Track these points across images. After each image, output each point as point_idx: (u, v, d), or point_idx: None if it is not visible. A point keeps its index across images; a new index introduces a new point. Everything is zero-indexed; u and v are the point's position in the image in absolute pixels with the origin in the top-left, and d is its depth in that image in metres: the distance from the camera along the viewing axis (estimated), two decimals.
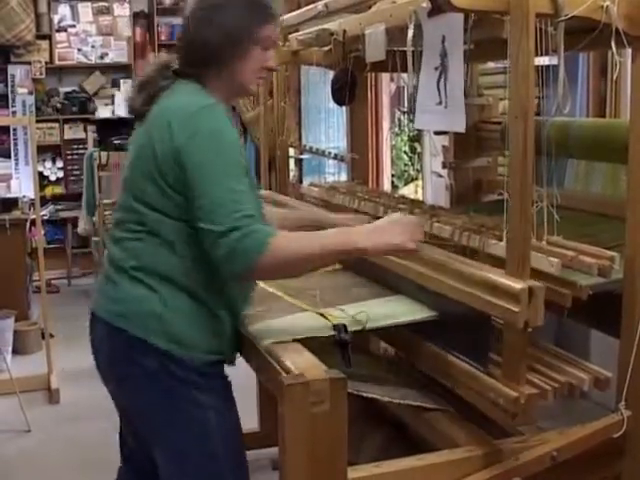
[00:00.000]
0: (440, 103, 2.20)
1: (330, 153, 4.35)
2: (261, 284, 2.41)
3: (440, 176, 3.58)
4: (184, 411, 2.02)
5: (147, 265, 2.00)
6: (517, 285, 1.80)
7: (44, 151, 7.87)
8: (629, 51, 1.96)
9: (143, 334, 1.98)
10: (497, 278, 1.87)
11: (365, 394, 2.10)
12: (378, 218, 2.52)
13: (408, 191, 5.53)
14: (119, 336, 2.02)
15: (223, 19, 2.03)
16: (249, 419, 3.32)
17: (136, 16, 8.25)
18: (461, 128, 2.18)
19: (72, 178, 8.04)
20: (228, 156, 1.93)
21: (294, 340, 2.02)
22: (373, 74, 3.91)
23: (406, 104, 2.45)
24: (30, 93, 7.90)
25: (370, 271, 2.48)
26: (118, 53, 8.17)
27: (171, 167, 1.93)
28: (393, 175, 5.82)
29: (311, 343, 2.02)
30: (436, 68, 2.19)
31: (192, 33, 2.07)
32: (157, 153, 1.97)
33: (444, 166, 3.21)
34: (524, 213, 1.83)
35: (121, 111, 7.94)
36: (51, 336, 5.06)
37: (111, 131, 7.62)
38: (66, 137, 8.04)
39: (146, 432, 2.12)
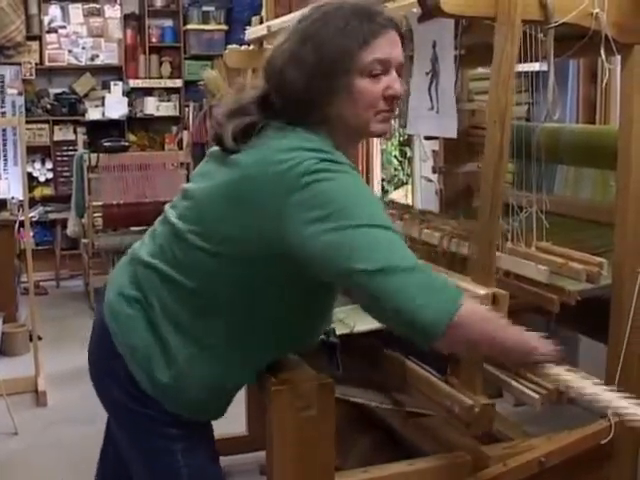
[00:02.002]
0: (432, 108, 2.21)
1: None
2: None
3: (430, 181, 3.57)
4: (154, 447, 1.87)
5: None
6: (481, 291, 1.80)
7: (33, 152, 7.84)
8: (618, 58, 1.97)
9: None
10: (462, 284, 1.86)
11: (353, 399, 2.10)
12: None
13: (398, 195, 5.53)
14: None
15: (307, 51, 1.64)
16: (237, 423, 3.31)
17: (127, 18, 8.23)
18: (452, 134, 2.18)
19: (62, 179, 8.00)
20: None
21: None
22: None
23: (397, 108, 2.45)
24: (20, 94, 7.87)
25: None
26: (109, 55, 8.14)
27: None
28: (383, 179, 5.83)
29: None
30: (427, 73, 2.20)
31: (278, 73, 1.68)
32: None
33: (434, 171, 3.21)
34: (492, 218, 1.83)
35: (111, 113, 7.93)
36: (39, 338, 5.03)
37: (101, 133, 7.60)
38: (56, 138, 8.01)
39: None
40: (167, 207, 1.87)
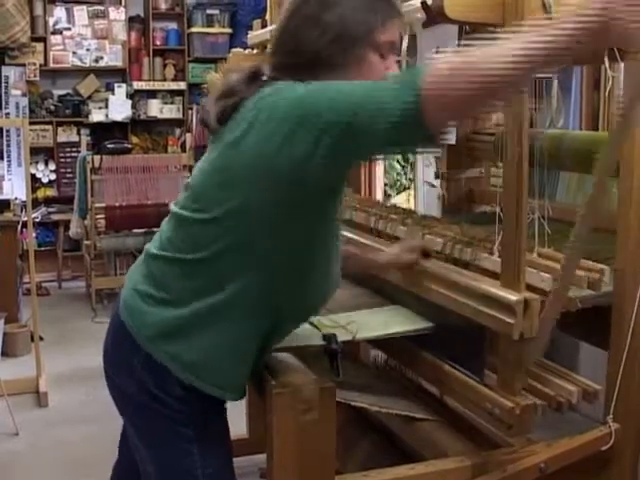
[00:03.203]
0: None
1: None
2: None
3: (433, 186, 3.58)
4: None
5: None
6: (513, 297, 1.81)
7: (37, 153, 7.86)
8: (622, 65, 1.97)
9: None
10: (493, 290, 1.87)
11: (354, 403, 2.10)
12: (370, 230, 2.55)
13: (400, 200, 5.54)
14: None
15: (333, 17, 1.68)
16: (238, 425, 3.32)
17: (131, 20, 8.25)
18: (450, 139, 2.18)
19: (65, 181, 8.02)
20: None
21: (284, 348, 2.02)
22: None
23: None
24: (24, 95, 7.88)
25: (368, 282, 2.48)
26: (113, 57, 8.16)
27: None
28: (386, 184, 5.83)
29: (301, 351, 2.02)
30: None
31: (292, 33, 1.73)
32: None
33: (437, 176, 3.22)
34: (519, 225, 1.84)
35: (115, 115, 7.94)
36: (40, 339, 5.04)
37: (104, 135, 7.62)
38: (59, 140, 8.03)
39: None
40: (172, 204, 1.90)
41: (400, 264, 2.24)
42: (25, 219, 5.36)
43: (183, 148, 7.81)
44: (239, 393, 1.87)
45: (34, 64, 7.83)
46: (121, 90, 8.05)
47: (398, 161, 6.21)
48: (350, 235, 2.57)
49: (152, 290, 1.83)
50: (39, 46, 7.92)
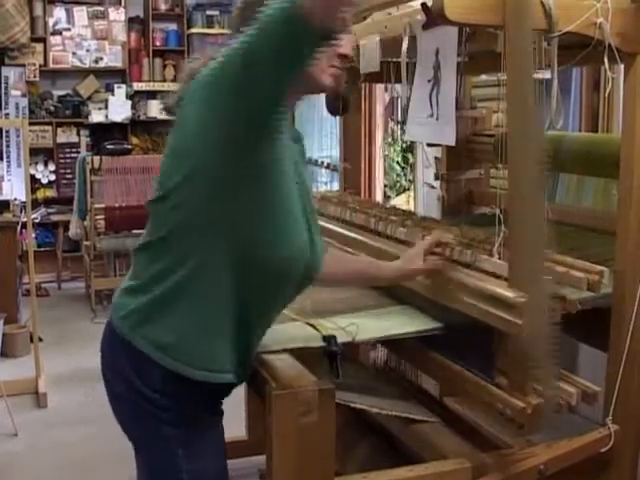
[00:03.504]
0: (431, 115, 2.21)
1: (323, 162, 4.35)
2: None
3: (432, 187, 3.58)
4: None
5: None
6: (520, 297, 1.81)
7: (36, 154, 7.86)
8: (621, 67, 1.98)
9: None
10: (500, 290, 1.87)
11: (353, 405, 2.10)
12: (370, 231, 2.54)
13: (400, 202, 5.53)
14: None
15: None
16: (237, 427, 3.32)
17: (131, 21, 8.25)
18: (451, 141, 2.18)
19: (64, 182, 8.02)
20: None
21: (283, 350, 2.02)
22: (367, 84, 3.91)
23: (399, 115, 2.46)
24: (23, 95, 7.88)
25: None
26: (113, 58, 8.16)
27: None
28: (385, 185, 5.83)
29: (300, 352, 2.02)
30: (429, 80, 2.20)
31: (240, 21, 1.77)
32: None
33: (436, 177, 3.21)
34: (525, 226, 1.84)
35: (114, 116, 7.94)
36: (40, 340, 5.04)
37: (104, 136, 7.62)
38: (59, 140, 8.02)
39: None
40: None
41: (413, 273, 2.17)
42: (25, 220, 5.36)
43: None
44: (228, 375, 1.85)
45: (34, 65, 7.83)
46: (121, 91, 8.05)
47: (398, 162, 6.21)
48: (351, 235, 2.57)
49: (131, 282, 1.89)
50: (39, 47, 7.92)
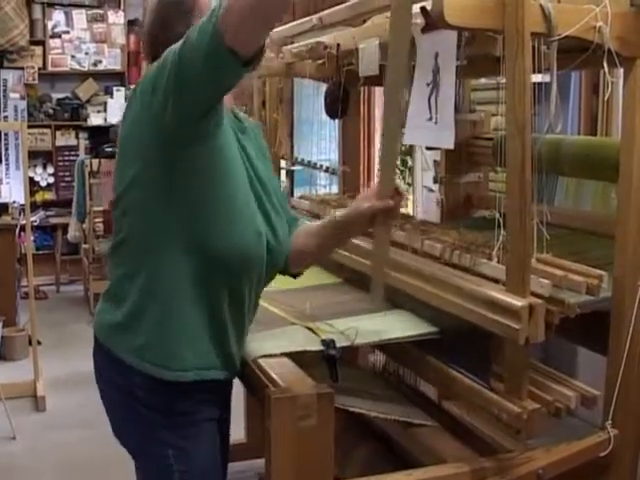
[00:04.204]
0: (430, 119, 2.21)
1: (322, 165, 4.35)
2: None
3: (431, 190, 3.58)
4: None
5: None
6: (518, 302, 1.81)
7: (35, 157, 7.86)
8: (621, 71, 1.98)
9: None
10: (498, 295, 1.87)
11: (352, 409, 2.10)
12: (369, 235, 2.54)
13: None
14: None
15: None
16: (236, 430, 3.32)
17: (130, 24, 8.25)
18: (450, 145, 2.18)
19: (63, 184, 8.03)
20: None
21: (282, 354, 2.01)
22: (366, 87, 3.92)
23: None
24: (22, 98, 7.89)
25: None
26: (112, 61, 8.17)
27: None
28: None
29: (299, 356, 2.01)
30: (428, 84, 2.20)
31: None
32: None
33: (435, 181, 3.21)
34: (524, 230, 1.84)
35: (113, 119, 7.94)
36: (38, 343, 5.04)
37: (103, 139, 7.62)
38: (58, 143, 8.03)
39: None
40: None
41: (369, 210, 2.00)
42: (23, 223, 5.36)
43: None
44: (208, 372, 1.89)
45: (33, 67, 7.84)
46: (120, 94, 8.05)
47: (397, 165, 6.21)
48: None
49: (106, 288, 1.98)
50: (38, 49, 7.94)
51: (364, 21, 2.70)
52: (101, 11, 8.14)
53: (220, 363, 1.91)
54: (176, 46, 1.71)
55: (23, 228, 5.47)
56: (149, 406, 1.87)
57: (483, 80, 3.10)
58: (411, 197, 4.07)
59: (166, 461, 1.88)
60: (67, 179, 7.95)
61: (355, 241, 2.53)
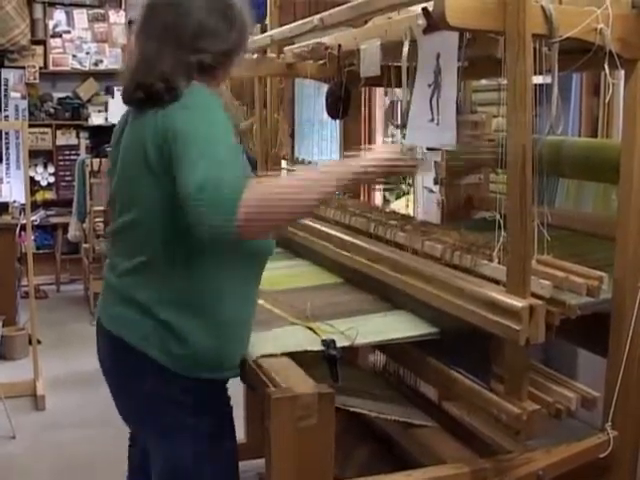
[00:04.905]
0: (432, 120, 2.21)
1: None
2: None
3: (432, 192, 3.57)
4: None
5: None
6: (518, 303, 1.81)
7: (36, 156, 7.86)
8: (622, 73, 1.98)
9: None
10: (498, 296, 1.87)
11: (352, 409, 2.10)
12: (370, 235, 2.55)
13: (399, 206, 5.53)
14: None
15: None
16: (236, 430, 3.32)
17: (132, 24, 8.23)
18: (451, 146, 2.18)
19: (63, 184, 8.02)
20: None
21: (283, 354, 2.02)
22: (367, 88, 3.92)
23: (399, 119, 2.45)
24: (23, 98, 7.89)
25: (371, 286, 2.48)
26: (113, 60, 8.17)
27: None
28: (385, 189, 5.82)
29: (300, 356, 2.01)
30: (429, 85, 2.20)
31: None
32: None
33: (436, 182, 3.22)
34: (524, 232, 1.84)
35: (114, 118, 7.93)
36: (38, 342, 5.04)
37: (103, 138, 7.59)
38: (58, 143, 8.03)
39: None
40: None
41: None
42: (24, 222, 5.36)
43: None
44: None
45: (34, 67, 7.84)
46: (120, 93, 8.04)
47: None
48: (350, 239, 2.57)
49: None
50: (39, 49, 7.94)
51: (365, 22, 2.69)
52: (102, 11, 8.14)
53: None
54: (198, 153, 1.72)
55: (23, 227, 5.47)
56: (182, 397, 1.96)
57: (484, 81, 3.11)
58: (411, 198, 4.07)
59: (197, 445, 1.98)
60: (68, 179, 7.95)
61: (355, 241, 2.54)
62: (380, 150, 2.01)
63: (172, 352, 1.91)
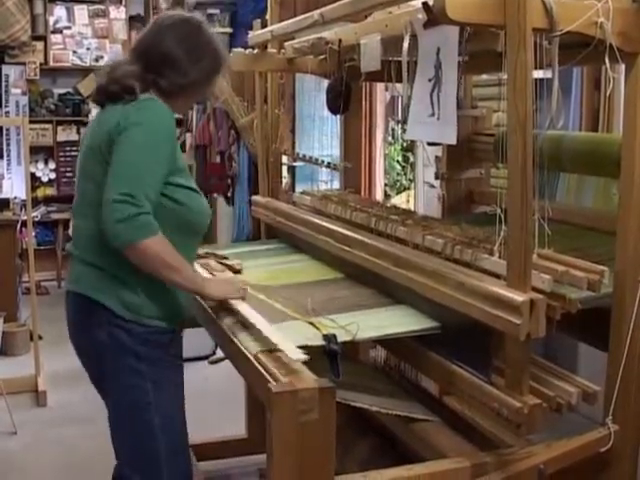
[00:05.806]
0: (432, 115, 2.21)
1: (323, 161, 4.35)
2: (251, 291, 2.42)
3: (432, 186, 3.58)
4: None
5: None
6: (519, 297, 1.81)
7: (37, 152, 7.85)
8: (622, 67, 1.98)
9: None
10: (499, 290, 1.87)
11: (353, 403, 2.10)
12: (371, 230, 2.55)
13: (400, 200, 5.54)
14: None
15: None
16: (236, 425, 3.31)
17: (132, 19, 8.24)
18: (452, 140, 2.18)
19: (64, 180, 8.01)
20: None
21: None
22: (368, 83, 3.92)
23: (400, 114, 2.45)
24: (24, 94, 7.88)
25: (372, 281, 2.48)
26: (113, 56, 8.13)
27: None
28: (386, 184, 5.83)
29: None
30: (430, 79, 2.20)
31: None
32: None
33: (436, 177, 3.22)
34: (525, 226, 1.84)
35: None
36: (40, 338, 5.04)
37: None
38: (59, 139, 8.02)
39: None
40: None
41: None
42: (25, 218, 5.36)
43: (183, 148, 7.80)
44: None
45: (34, 63, 7.83)
46: None
47: (398, 161, 6.21)
48: (351, 234, 2.57)
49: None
50: (39, 45, 7.92)
51: (366, 17, 2.69)
52: (103, 6, 8.13)
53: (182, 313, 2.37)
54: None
55: (24, 224, 5.48)
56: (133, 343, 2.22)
57: (485, 76, 3.11)
58: (412, 193, 4.07)
59: (144, 392, 2.21)
60: (68, 175, 7.93)
61: (357, 236, 2.54)
62: (221, 288, 2.39)
63: (125, 301, 2.20)
